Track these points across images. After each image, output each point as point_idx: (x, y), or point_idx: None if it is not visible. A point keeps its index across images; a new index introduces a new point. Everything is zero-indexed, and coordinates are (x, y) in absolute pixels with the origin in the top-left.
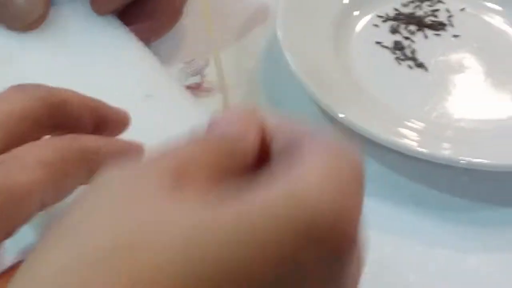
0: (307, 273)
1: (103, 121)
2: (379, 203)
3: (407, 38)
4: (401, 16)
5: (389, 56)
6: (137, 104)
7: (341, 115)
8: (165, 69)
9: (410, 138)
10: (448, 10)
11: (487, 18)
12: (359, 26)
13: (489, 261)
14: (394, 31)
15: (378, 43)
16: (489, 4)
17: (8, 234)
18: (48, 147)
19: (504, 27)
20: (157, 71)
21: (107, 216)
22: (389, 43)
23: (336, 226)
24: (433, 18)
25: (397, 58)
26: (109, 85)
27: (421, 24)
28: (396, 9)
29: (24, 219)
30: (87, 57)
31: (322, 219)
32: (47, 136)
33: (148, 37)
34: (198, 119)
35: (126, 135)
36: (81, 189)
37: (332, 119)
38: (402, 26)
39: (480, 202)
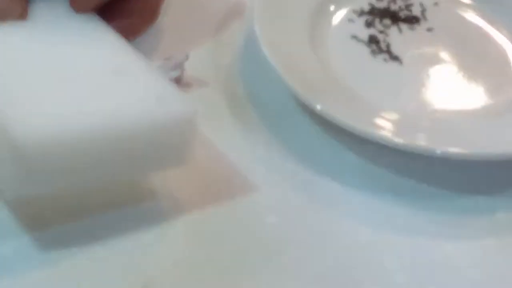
0: None
1: None
2: (356, 193)
3: (381, 32)
4: (375, 11)
5: (364, 50)
6: (106, 77)
7: (318, 107)
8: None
9: (386, 129)
10: (421, 4)
11: (460, 11)
12: (335, 21)
13: (465, 249)
14: (369, 25)
15: (353, 37)
16: None
17: None
18: None
19: (476, 20)
20: (126, 50)
21: None
22: (365, 37)
23: None
24: (407, 12)
25: (373, 52)
26: (78, 61)
27: (395, 18)
28: (370, 4)
29: None
30: (60, 43)
31: None
32: None
33: (126, 36)
34: (165, 87)
35: (93, 111)
36: None
37: (310, 112)
38: (377, 20)
39: (456, 191)
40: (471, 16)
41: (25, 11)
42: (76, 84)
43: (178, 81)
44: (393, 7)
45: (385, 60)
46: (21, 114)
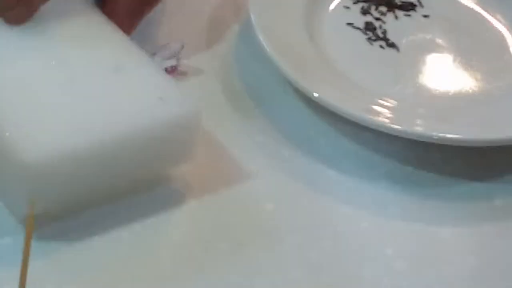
0: None
1: None
2: (354, 180)
3: (378, 19)
4: None
5: (360, 37)
6: (107, 75)
7: (315, 94)
8: (134, 43)
9: (383, 116)
10: None
11: None
12: (330, 8)
13: (463, 235)
14: (365, 12)
15: (349, 24)
16: None
17: None
18: None
19: (473, 5)
20: (127, 45)
21: None
22: (361, 24)
23: None
24: None
25: (369, 39)
26: (79, 59)
27: (391, 5)
28: None
29: None
30: (58, 35)
31: None
32: None
33: (132, 17)
34: (167, 86)
35: (96, 109)
36: None
37: (306, 99)
38: (373, 7)
39: (453, 177)
40: (468, 2)
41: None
42: (78, 87)
43: (174, 69)
44: None
45: (381, 47)
46: (24, 132)
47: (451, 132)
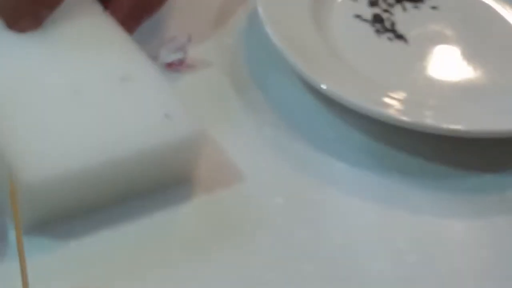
0: None
1: None
2: (363, 172)
3: (386, 11)
4: None
5: (368, 29)
6: (113, 87)
7: (323, 86)
8: (143, 51)
9: (393, 108)
10: None
11: None
12: (338, 0)
13: (475, 227)
14: (373, 4)
15: (357, 16)
16: None
17: None
18: None
19: None
20: (134, 54)
21: None
22: (368, 16)
23: None
24: None
25: (377, 31)
26: (85, 68)
27: None
28: None
29: None
30: (63, 41)
31: None
32: None
33: (141, 13)
34: (173, 101)
35: (102, 120)
36: None
37: (315, 91)
38: None
39: (464, 169)
40: None
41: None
42: (83, 99)
43: (181, 63)
44: None
45: (389, 39)
46: (26, 152)
47: (462, 124)
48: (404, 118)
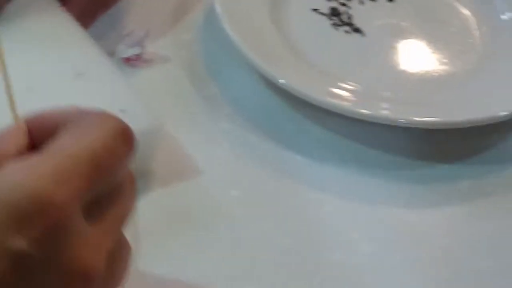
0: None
1: None
2: (321, 164)
3: (343, 4)
4: None
5: (326, 22)
6: (68, 83)
7: (280, 81)
8: (100, 46)
9: (349, 100)
10: None
11: None
12: None
13: (430, 217)
14: None
15: (314, 10)
16: None
17: None
18: None
19: None
20: (90, 49)
21: None
22: (326, 10)
23: (42, 209)
24: None
25: (334, 24)
26: (39, 64)
27: None
28: None
29: None
30: (18, 36)
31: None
32: None
33: (97, 8)
34: (129, 96)
35: None
36: None
37: (272, 85)
38: None
39: (419, 160)
40: None
41: None
42: (36, 96)
43: (139, 58)
44: None
45: (347, 32)
46: None
47: (417, 115)
48: (360, 110)
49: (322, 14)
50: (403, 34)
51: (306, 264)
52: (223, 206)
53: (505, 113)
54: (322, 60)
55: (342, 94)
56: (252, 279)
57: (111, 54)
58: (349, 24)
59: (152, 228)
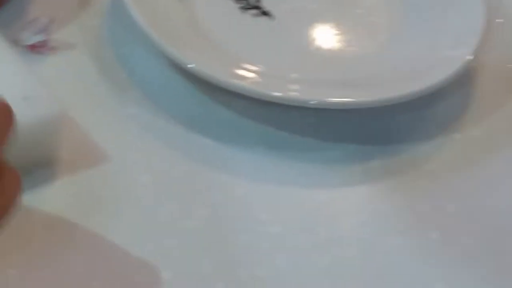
0: None
1: None
2: (230, 147)
3: None
4: None
5: (233, 6)
6: None
7: (190, 66)
8: (3, 34)
9: (256, 82)
10: None
11: None
12: None
13: (338, 197)
14: None
15: None
16: None
17: None
18: None
19: None
20: None
21: None
22: None
23: None
24: None
25: (242, 8)
26: None
27: None
28: None
29: None
30: None
31: None
32: None
33: None
34: (33, 84)
35: None
36: None
37: (180, 69)
38: None
39: (328, 141)
40: None
41: None
42: None
43: (44, 45)
44: None
45: (255, 15)
46: None
47: (326, 96)
48: (267, 92)
49: None
50: (312, 16)
51: (214, 246)
52: (132, 191)
53: (414, 91)
54: (229, 43)
55: (248, 76)
56: (161, 263)
57: (15, 42)
58: (257, 7)
59: (59, 217)
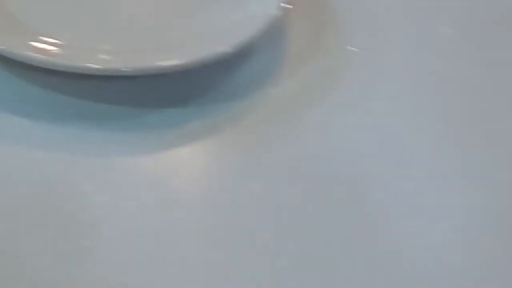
0: None
1: None
2: (45, 124)
3: None
4: None
5: None
6: None
7: None
8: None
9: (52, 53)
10: None
11: None
12: None
13: (160, 160)
14: None
15: None
16: None
17: None
18: None
19: None
20: None
21: None
22: None
23: None
24: None
25: None
26: None
27: None
28: None
29: None
30: None
31: None
32: None
33: None
34: None
35: None
36: None
37: None
38: None
39: (146, 107)
40: None
41: None
42: None
43: None
44: None
45: None
46: None
47: (137, 63)
48: (70, 63)
49: None
50: None
51: (39, 223)
52: None
53: (225, 50)
54: (29, 16)
55: (49, 48)
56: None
57: None
58: None
59: None
